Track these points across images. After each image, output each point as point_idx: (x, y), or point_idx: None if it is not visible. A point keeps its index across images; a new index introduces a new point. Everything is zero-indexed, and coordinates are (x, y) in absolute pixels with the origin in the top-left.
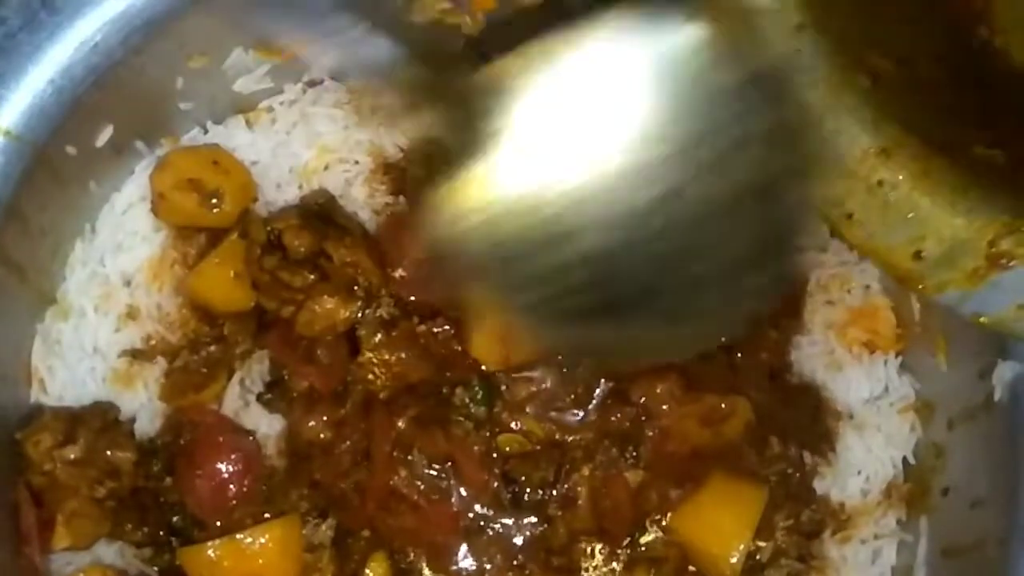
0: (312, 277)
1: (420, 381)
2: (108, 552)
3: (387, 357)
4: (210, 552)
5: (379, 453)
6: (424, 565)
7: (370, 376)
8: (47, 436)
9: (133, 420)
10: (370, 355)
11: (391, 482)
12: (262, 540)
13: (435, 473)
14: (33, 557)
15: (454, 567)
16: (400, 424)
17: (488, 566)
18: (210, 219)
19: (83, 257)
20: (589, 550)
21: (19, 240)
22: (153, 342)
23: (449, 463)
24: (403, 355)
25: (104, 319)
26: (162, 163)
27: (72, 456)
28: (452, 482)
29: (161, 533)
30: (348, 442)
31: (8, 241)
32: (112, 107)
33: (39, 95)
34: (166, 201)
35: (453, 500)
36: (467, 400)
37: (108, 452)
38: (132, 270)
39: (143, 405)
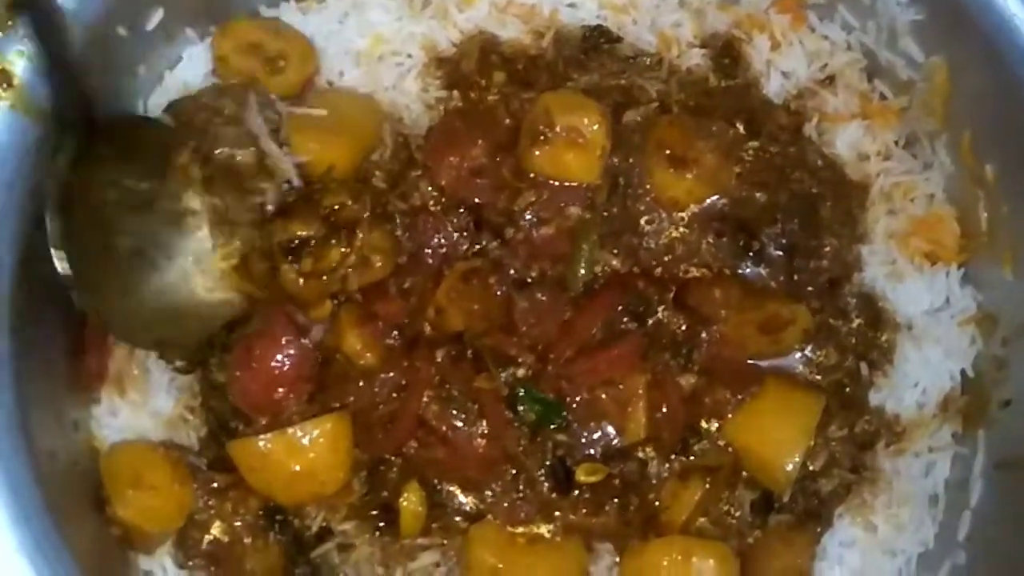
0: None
1: (467, 329)
2: (156, 429)
3: (456, 303)
4: (261, 444)
5: (416, 384)
6: (459, 493)
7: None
8: None
9: None
10: (442, 296)
11: (421, 413)
12: (314, 434)
13: (462, 412)
14: (91, 365)
15: (490, 499)
16: (438, 357)
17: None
18: (272, 84)
19: None
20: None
21: None
22: None
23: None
24: (475, 306)
25: None
26: (224, 28)
27: None
28: (476, 422)
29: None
30: (391, 373)
31: None
32: None
33: None
34: (228, 64)
35: (479, 438)
36: (523, 407)
37: None
38: None
39: None
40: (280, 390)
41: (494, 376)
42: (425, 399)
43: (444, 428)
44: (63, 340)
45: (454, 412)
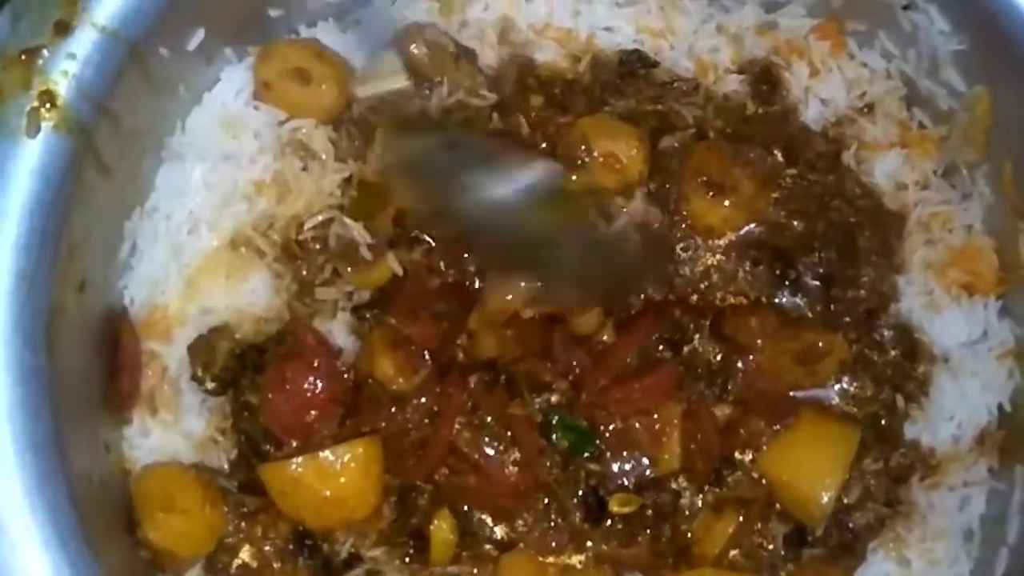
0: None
1: (500, 356)
2: (187, 451)
3: (488, 328)
4: (292, 468)
5: (449, 410)
6: (490, 522)
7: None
8: None
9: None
10: (474, 321)
11: (453, 440)
12: (345, 458)
13: (494, 439)
14: (123, 385)
15: (521, 528)
16: (471, 383)
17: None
18: (314, 109)
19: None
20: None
21: (109, 140)
22: None
23: (508, 431)
24: (508, 332)
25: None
26: (265, 53)
27: None
28: (509, 449)
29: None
30: (424, 399)
31: (99, 140)
32: (205, 9)
33: None
34: (272, 90)
35: (510, 466)
36: (556, 435)
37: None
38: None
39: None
40: (312, 413)
41: (528, 403)
42: (457, 426)
43: (476, 456)
44: (97, 360)
45: (486, 440)
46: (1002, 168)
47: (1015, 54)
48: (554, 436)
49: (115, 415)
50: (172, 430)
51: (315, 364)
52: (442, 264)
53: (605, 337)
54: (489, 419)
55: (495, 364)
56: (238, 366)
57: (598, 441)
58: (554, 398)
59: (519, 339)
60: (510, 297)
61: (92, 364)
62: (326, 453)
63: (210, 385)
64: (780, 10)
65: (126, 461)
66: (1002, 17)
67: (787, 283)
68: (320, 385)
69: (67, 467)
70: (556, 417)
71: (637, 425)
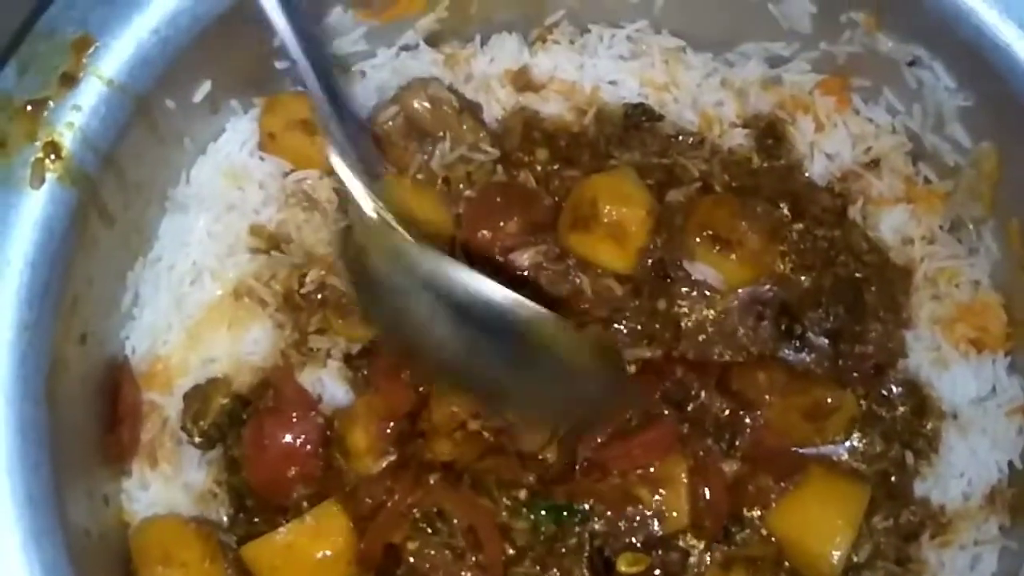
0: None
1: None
2: (187, 504)
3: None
4: (279, 538)
5: (393, 507)
6: None
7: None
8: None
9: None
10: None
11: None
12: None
13: (444, 548)
14: (123, 436)
15: None
16: (431, 480)
17: None
18: (319, 160)
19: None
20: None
21: (114, 192)
22: None
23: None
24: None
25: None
26: (271, 105)
27: None
28: (467, 554)
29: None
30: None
31: (104, 191)
32: (212, 61)
33: (142, 44)
34: (276, 142)
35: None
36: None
37: None
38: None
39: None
40: (293, 469)
41: (497, 499)
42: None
43: (427, 566)
44: (97, 412)
45: (433, 552)
46: (1008, 224)
47: (1020, 111)
48: (540, 525)
49: (114, 467)
50: (172, 483)
51: (293, 418)
52: None
53: (549, 456)
54: (440, 524)
55: (453, 466)
56: (227, 422)
57: (584, 506)
58: (522, 494)
59: (473, 442)
60: (455, 409)
61: (92, 415)
62: (309, 516)
63: (197, 439)
64: (784, 65)
65: (125, 514)
66: (1008, 74)
67: (794, 339)
68: (300, 439)
69: (65, 521)
70: (534, 506)
71: (640, 482)
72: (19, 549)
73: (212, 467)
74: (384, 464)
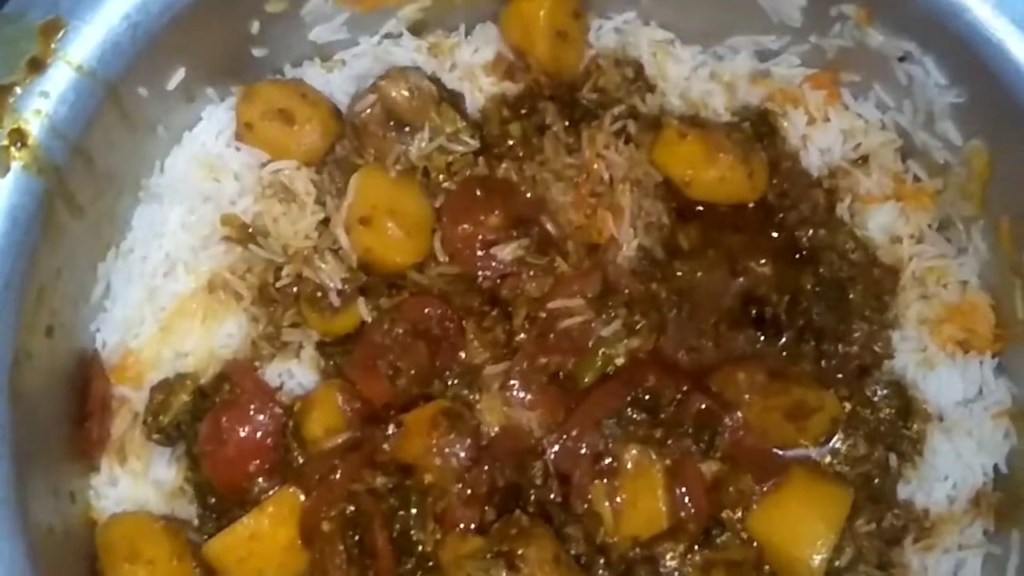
0: None
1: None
2: (157, 501)
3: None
4: (240, 528)
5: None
6: None
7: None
8: None
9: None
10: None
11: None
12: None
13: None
14: (92, 431)
15: None
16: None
17: None
18: (298, 150)
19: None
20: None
21: (84, 181)
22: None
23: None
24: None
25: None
26: (248, 93)
27: None
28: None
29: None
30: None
31: (72, 180)
32: (186, 48)
33: (113, 30)
34: (253, 131)
35: None
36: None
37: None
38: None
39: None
40: (253, 463)
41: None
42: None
43: None
44: (65, 406)
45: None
46: (998, 223)
47: (1013, 108)
48: None
49: (83, 463)
50: (142, 479)
51: (251, 410)
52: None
53: None
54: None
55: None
56: (188, 419)
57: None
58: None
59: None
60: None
61: (60, 410)
62: (270, 504)
63: (154, 436)
64: (774, 59)
65: (93, 511)
66: (1000, 71)
67: (765, 324)
68: (259, 432)
69: (27, 518)
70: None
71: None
72: None
73: (182, 464)
74: (339, 440)
